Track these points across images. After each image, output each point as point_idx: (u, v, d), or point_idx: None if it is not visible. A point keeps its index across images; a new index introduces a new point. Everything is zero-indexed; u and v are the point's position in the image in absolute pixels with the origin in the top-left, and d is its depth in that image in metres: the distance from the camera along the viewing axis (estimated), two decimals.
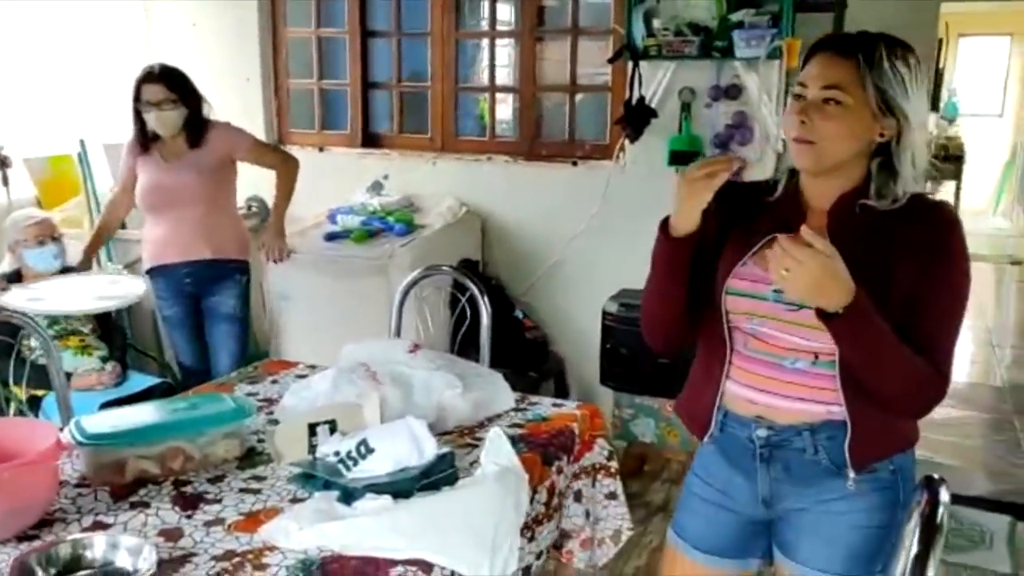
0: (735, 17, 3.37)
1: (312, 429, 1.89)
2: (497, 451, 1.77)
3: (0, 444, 1.57)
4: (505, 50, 4.23)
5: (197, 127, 3.29)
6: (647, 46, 3.52)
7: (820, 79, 1.45)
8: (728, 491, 1.65)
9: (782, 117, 1.54)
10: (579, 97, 4.08)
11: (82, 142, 3.98)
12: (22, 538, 1.50)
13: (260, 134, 4.45)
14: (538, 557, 1.89)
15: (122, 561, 1.43)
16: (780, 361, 1.52)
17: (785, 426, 1.54)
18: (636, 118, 3.51)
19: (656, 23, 3.50)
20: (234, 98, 4.45)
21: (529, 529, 1.84)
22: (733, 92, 3.49)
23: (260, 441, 1.95)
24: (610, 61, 3.73)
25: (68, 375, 3.20)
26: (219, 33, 4.46)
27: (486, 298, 2.66)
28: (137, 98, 3.26)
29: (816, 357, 1.49)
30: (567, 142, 4.08)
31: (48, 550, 1.42)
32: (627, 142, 3.67)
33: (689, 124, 3.58)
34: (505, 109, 4.31)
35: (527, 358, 3.82)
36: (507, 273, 4.07)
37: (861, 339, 1.39)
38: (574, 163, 3.99)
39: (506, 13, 4.22)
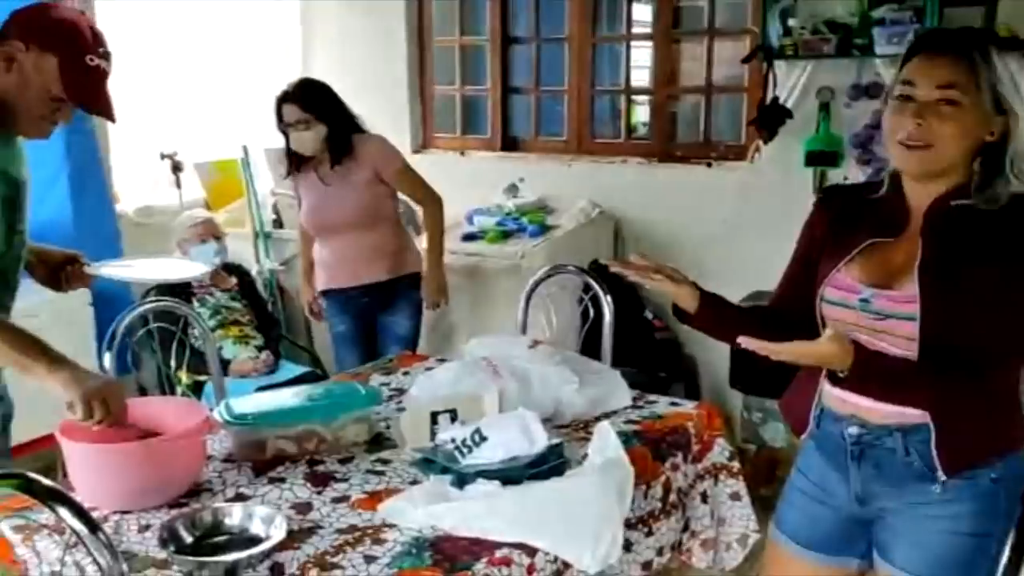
0: (876, 13, 3.27)
1: (434, 417, 2.01)
2: (604, 444, 1.83)
3: (156, 421, 1.76)
4: (641, 52, 4.26)
5: (339, 144, 3.17)
6: (783, 45, 3.47)
7: (933, 78, 1.43)
8: (825, 486, 1.66)
9: (885, 120, 1.51)
10: (714, 98, 4.07)
11: (245, 148, 4.29)
12: (173, 505, 1.69)
13: (405, 138, 4.68)
14: (659, 553, 1.94)
15: (256, 529, 1.58)
16: None
17: (876, 425, 1.54)
18: (770, 119, 3.48)
19: (793, 22, 3.45)
20: (382, 104, 4.67)
21: (645, 524, 1.90)
22: (874, 91, 3.39)
23: (387, 427, 2.09)
24: (744, 61, 3.70)
25: (228, 362, 3.50)
26: (370, 42, 4.69)
27: (609, 298, 2.72)
28: (279, 118, 3.20)
29: None
30: (702, 143, 4.07)
31: (192, 516, 1.60)
32: (762, 143, 3.63)
33: (827, 124, 3.51)
34: (640, 111, 4.34)
35: (657, 358, 3.84)
36: None
37: (869, 388, 1.47)
38: (708, 164, 3.97)
39: (642, 15, 4.25)
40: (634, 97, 4.30)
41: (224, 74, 4.60)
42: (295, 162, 3.26)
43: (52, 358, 1.65)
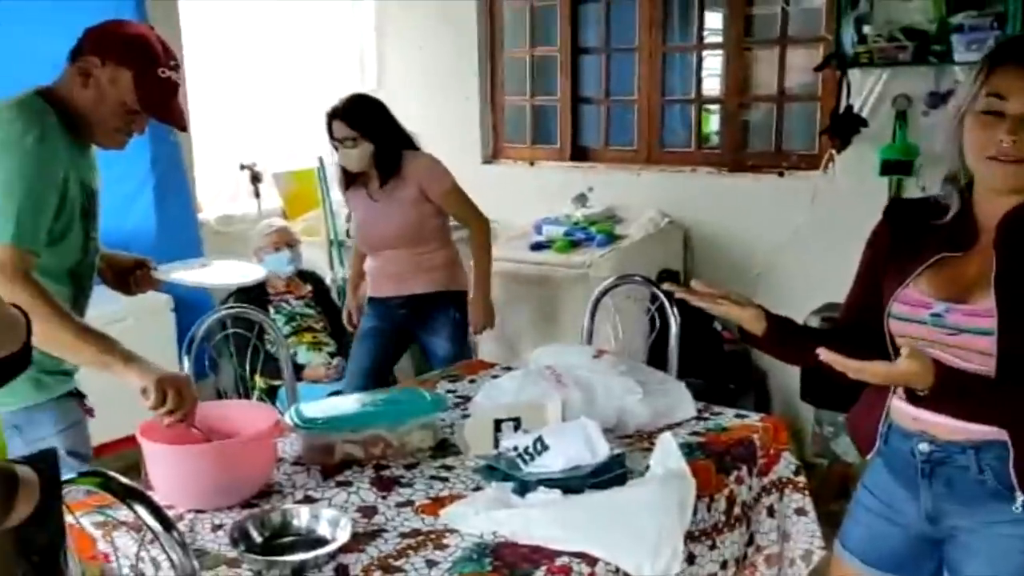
0: (955, 20, 3.19)
1: (498, 425, 2.03)
2: (666, 455, 1.83)
3: (230, 423, 1.83)
4: (711, 61, 4.24)
5: (388, 162, 3.14)
6: (858, 53, 3.41)
7: None
8: (893, 504, 1.63)
9: (970, 133, 1.45)
10: (787, 106, 4.02)
11: (320, 159, 4.40)
12: (244, 506, 1.75)
13: (476, 149, 4.74)
14: (723, 567, 1.93)
15: (322, 530, 1.63)
16: None
17: (947, 442, 1.51)
18: (844, 127, 3.42)
19: (868, 29, 3.39)
20: (454, 115, 4.77)
21: (708, 537, 1.89)
22: None
23: (452, 434, 2.12)
24: (816, 70, 3.65)
25: (301, 367, 3.60)
26: (443, 55, 4.77)
27: (675, 308, 2.71)
28: (330, 134, 3.18)
29: None
30: (774, 152, 4.02)
31: (262, 516, 1.65)
32: (835, 152, 3.57)
33: (904, 133, 3.43)
34: (711, 120, 4.31)
35: (726, 370, 3.80)
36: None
37: (949, 406, 1.45)
38: (780, 173, 3.92)
39: (714, 23, 4.22)
40: (705, 106, 4.27)
41: (301, 86, 4.72)
42: (347, 177, 3.28)
43: (126, 354, 1.74)
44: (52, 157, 1.75)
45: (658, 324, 2.81)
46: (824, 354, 1.42)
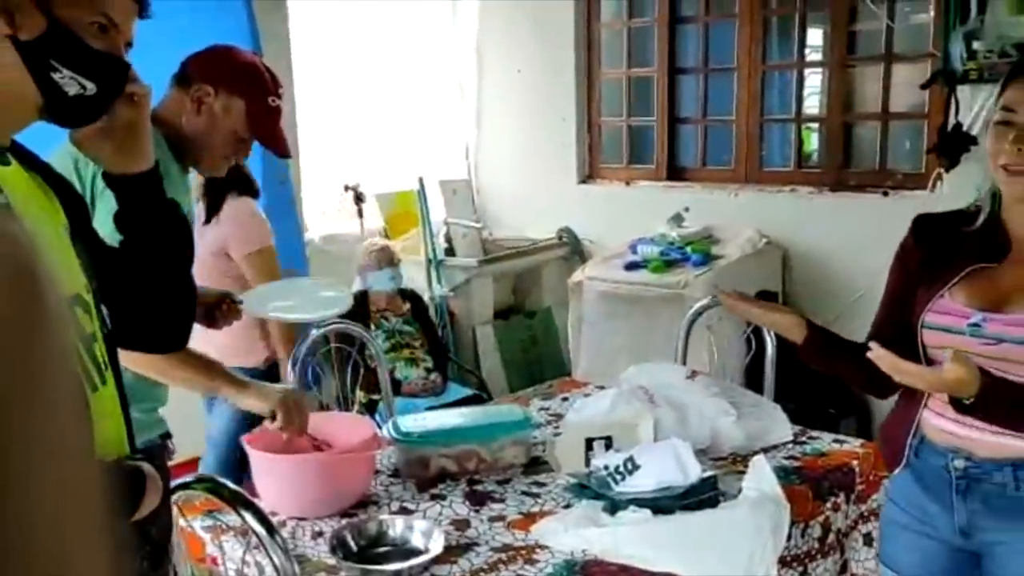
0: None
1: (589, 443, 2.06)
2: (759, 478, 1.82)
3: (331, 435, 1.91)
4: (812, 78, 4.17)
5: (214, 197, 2.84)
6: (967, 69, 3.31)
7: None
8: (926, 519, 1.61)
9: (989, 145, 1.48)
10: (892, 124, 3.92)
11: (420, 180, 4.52)
12: (343, 515, 1.82)
13: (572, 169, 4.78)
14: None
15: (416, 541, 1.68)
16: None
17: (985, 459, 1.49)
18: (952, 146, 3.31)
19: (978, 45, 3.28)
20: (550, 136, 4.82)
21: (800, 563, 1.86)
22: None
23: (544, 451, 2.16)
24: (923, 87, 3.55)
25: (400, 382, 3.69)
26: (540, 77, 4.83)
27: (772, 331, 2.68)
28: None
29: None
30: (877, 171, 3.92)
31: (360, 526, 1.72)
32: (943, 171, 3.46)
33: None
34: (812, 138, 4.23)
35: (826, 394, 3.71)
36: (808, 306, 3.98)
37: (996, 416, 1.43)
38: (884, 193, 3.82)
39: (815, 40, 4.16)
40: (805, 124, 4.20)
41: (402, 109, 4.87)
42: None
43: (236, 381, 1.80)
44: (165, 179, 1.84)
45: (754, 345, 2.78)
46: (875, 350, 1.43)
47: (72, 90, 1.13)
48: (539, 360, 4.61)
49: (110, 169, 1.27)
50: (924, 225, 1.62)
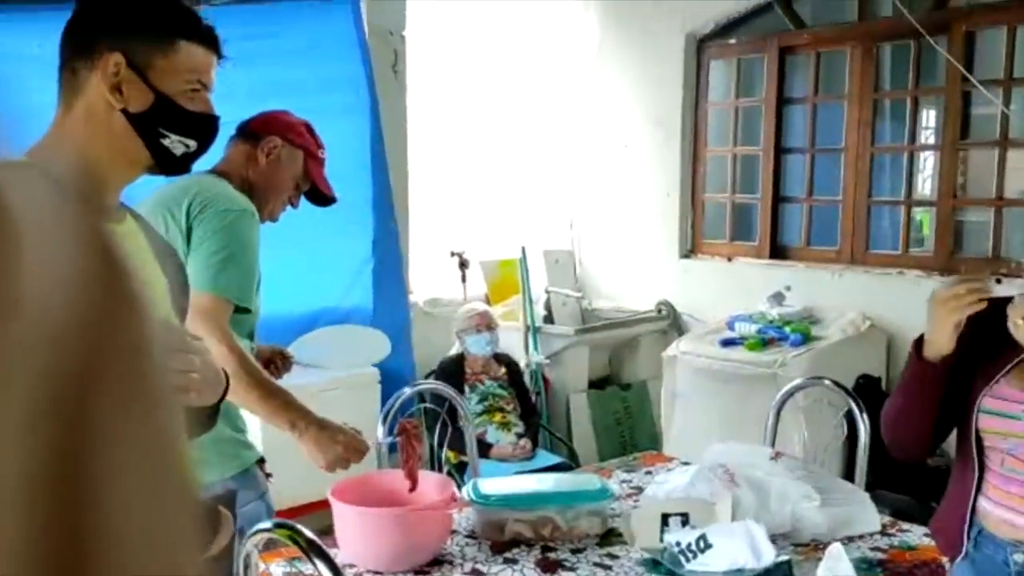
0: None
1: (665, 519, 2.05)
2: (834, 567, 1.78)
3: (406, 492, 1.97)
4: (923, 160, 4.11)
5: None
6: None
7: None
8: None
9: None
10: (1006, 210, 3.80)
11: (523, 248, 4.63)
12: (418, 572, 1.87)
13: (674, 244, 4.81)
14: None
15: None
16: None
17: None
18: None
19: None
20: (654, 210, 4.88)
21: None
22: None
23: (621, 523, 2.16)
24: None
25: (490, 445, 3.75)
26: (647, 153, 4.92)
27: (865, 416, 2.62)
28: None
29: None
30: (990, 258, 3.80)
31: None
32: None
33: None
34: (921, 222, 4.15)
35: (928, 486, 3.56)
36: None
37: None
38: (998, 280, 3.70)
39: (927, 122, 4.11)
40: (915, 207, 4.12)
41: (510, 179, 5.03)
42: None
43: (298, 419, 1.89)
44: (258, 231, 2.02)
45: (845, 430, 2.72)
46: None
47: (179, 151, 1.31)
48: (632, 432, 4.60)
49: (196, 404, 1.35)
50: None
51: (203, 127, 1.33)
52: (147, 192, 1.86)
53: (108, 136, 1.25)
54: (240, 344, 1.90)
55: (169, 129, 1.28)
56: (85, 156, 1.25)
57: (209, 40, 1.34)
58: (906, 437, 1.67)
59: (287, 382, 3.57)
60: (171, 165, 1.33)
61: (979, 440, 1.53)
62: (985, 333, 1.56)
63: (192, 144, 1.32)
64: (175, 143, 1.29)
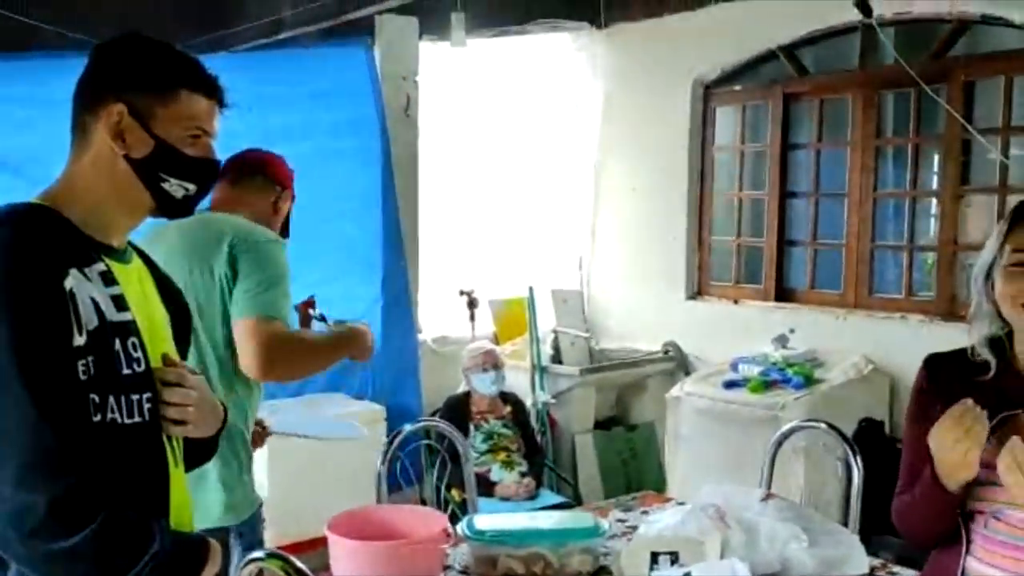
0: None
1: (655, 557, 2.09)
2: None
3: (403, 526, 2.03)
4: (925, 207, 4.16)
5: None
6: None
7: None
8: None
9: (1002, 287, 1.53)
10: None
11: (531, 288, 4.70)
12: None
13: (681, 285, 4.87)
14: None
15: None
16: None
17: None
18: None
19: None
20: (661, 252, 4.94)
21: None
22: None
23: (613, 561, 2.20)
24: None
25: (494, 484, 3.79)
26: (654, 195, 4.99)
27: (859, 459, 2.65)
28: None
29: None
30: None
31: None
32: None
33: None
34: (924, 267, 4.18)
35: None
36: None
37: None
38: None
39: (929, 168, 4.16)
40: (917, 252, 4.17)
41: (520, 220, 5.11)
42: None
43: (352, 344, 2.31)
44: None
45: (840, 473, 2.75)
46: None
47: (179, 194, 1.39)
48: (638, 473, 4.62)
49: (194, 436, 1.46)
50: (937, 367, 1.63)
51: (203, 171, 1.40)
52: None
53: (112, 181, 1.34)
54: (294, 330, 2.21)
55: (169, 174, 1.36)
56: (93, 199, 1.34)
57: (210, 89, 1.40)
58: (927, 539, 1.70)
59: (300, 418, 3.71)
60: (172, 208, 1.41)
61: (964, 506, 1.56)
62: (950, 390, 1.58)
63: (192, 187, 1.40)
64: (175, 187, 1.37)
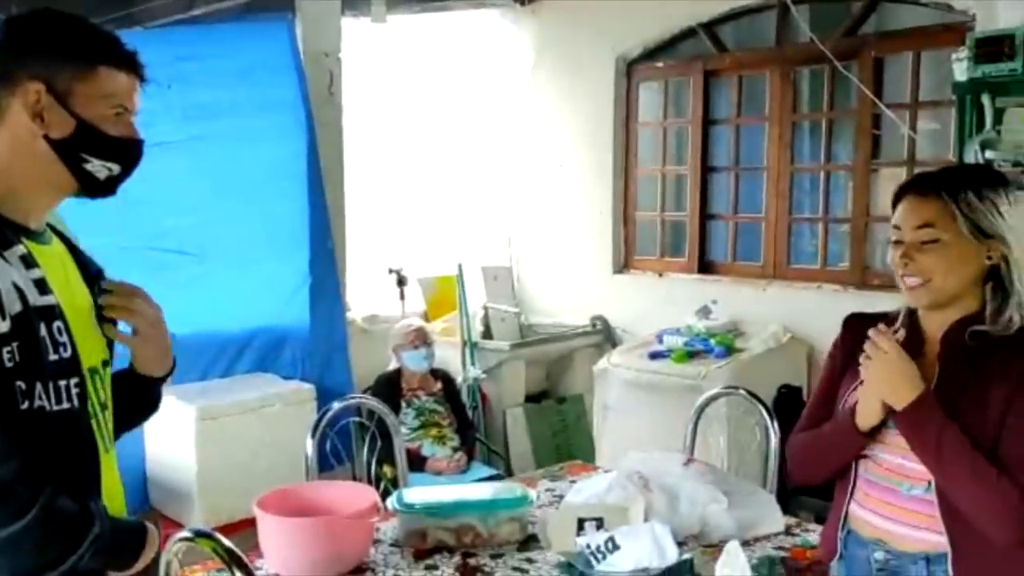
0: None
1: (581, 524, 2.15)
2: (732, 564, 1.89)
3: (333, 503, 2.05)
4: (839, 180, 4.30)
5: None
6: None
7: (912, 220, 1.53)
8: None
9: (889, 259, 1.61)
10: None
11: (460, 265, 4.72)
12: None
13: (608, 261, 4.95)
14: None
15: None
16: (897, 487, 1.56)
17: (902, 552, 1.56)
18: None
19: (992, 154, 3.39)
20: (588, 228, 5.01)
21: None
22: None
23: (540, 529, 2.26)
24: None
25: (425, 459, 3.82)
26: (580, 172, 5.06)
27: (775, 423, 2.75)
28: None
29: (930, 484, 1.51)
30: None
31: None
32: None
33: None
34: (837, 238, 4.34)
35: None
36: None
37: (924, 437, 1.48)
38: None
39: (842, 143, 4.30)
40: (832, 224, 4.31)
41: (448, 197, 5.13)
42: None
43: None
44: None
45: (759, 437, 2.85)
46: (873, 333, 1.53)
47: (102, 175, 1.35)
48: (568, 445, 4.70)
49: (141, 370, 1.47)
50: (852, 323, 1.72)
51: (126, 151, 1.36)
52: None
53: (32, 161, 1.29)
54: None
55: (91, 154, 1.31)
56: (10, 181, 1.30)
57: (130, 64, 1.35)
58: (815, 476, 1.77)
59: (230, 398, 3.65)
60: (96, 189, 1.37)
61: None
62: (856, 348, 1.64)
63: (115, 168, 1.35)
64: (98, 167, 1.33)
